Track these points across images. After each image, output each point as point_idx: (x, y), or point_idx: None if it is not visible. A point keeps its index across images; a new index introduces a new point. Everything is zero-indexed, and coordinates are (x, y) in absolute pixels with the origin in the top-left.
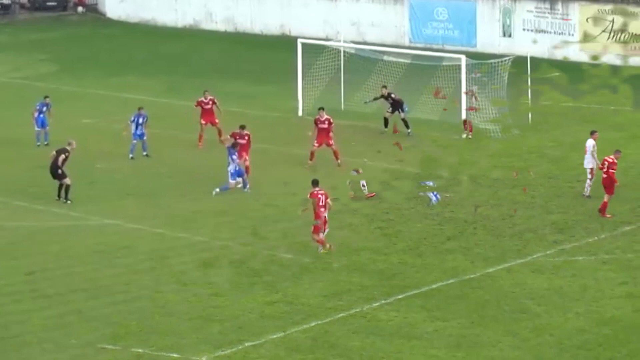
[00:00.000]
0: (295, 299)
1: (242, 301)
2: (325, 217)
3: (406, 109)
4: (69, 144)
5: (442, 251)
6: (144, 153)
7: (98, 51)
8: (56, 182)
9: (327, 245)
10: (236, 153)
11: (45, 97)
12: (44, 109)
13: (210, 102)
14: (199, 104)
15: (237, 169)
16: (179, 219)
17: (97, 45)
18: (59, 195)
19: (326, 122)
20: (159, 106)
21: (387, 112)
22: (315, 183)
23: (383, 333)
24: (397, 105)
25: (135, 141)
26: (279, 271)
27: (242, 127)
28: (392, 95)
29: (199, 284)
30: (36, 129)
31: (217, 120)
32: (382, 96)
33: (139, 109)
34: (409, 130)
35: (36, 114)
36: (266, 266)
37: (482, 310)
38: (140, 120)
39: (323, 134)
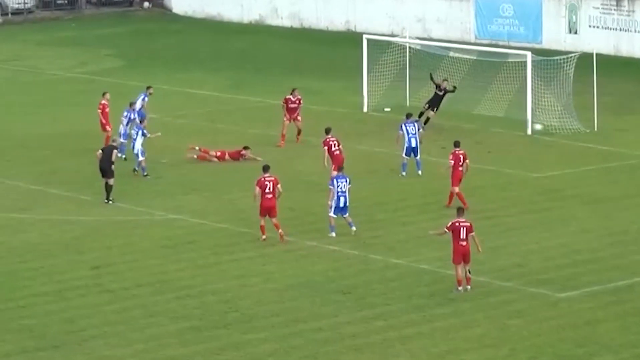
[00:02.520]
0: (361, 297)
1: (308, 297)
2: (272, 203)
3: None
4: (114, 141)
5: None
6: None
7: (163, 47)
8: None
9: (265, 236)
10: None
11: (148, 87)
12: (146, 99)
13: (297, 102)
14: (286, 101)
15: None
16: (243, 214)
17: (163, 40)
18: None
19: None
20: (224, 101)
21: (425, 107)
22: (265, 169)
23: None
24: (436, 102)
25: (124, 141)
26: (342, 268)
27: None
28: (445, 92)
29: (263, 279)
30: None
31: (299, 118)
32: (437, 85)
33: (130, 104)
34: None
35: (138, 106)
36: (330, 263)
37: None
38: (132, 116)
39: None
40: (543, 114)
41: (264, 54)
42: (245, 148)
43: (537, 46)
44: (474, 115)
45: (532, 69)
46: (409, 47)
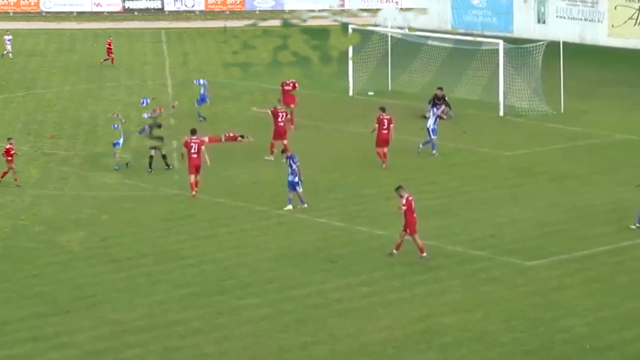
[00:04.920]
0: (347, 266)
1: (299, 266)
2: (198, 162)
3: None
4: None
5: None
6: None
7: None
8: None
9: (194, 192)
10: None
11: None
12: (203, 81)
13: (291, 85)
14: (282, 85)
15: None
16: (239, 190)
17: None
18: (167, 164)
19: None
20: (218, 85)
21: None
22: (192, 132)
23: None
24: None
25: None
26: (329, 239)
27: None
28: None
29: (258, 250)
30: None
31: (292, 105)
32: (436, 96)
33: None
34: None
35: (200, 95)
36: (319, 235)
37: None
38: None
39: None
40: (514, 97)
41: None
42: (242, 137)
43: (508, 35)
44: (450, 98)
45: (503, 56)
46: (391, 36)
